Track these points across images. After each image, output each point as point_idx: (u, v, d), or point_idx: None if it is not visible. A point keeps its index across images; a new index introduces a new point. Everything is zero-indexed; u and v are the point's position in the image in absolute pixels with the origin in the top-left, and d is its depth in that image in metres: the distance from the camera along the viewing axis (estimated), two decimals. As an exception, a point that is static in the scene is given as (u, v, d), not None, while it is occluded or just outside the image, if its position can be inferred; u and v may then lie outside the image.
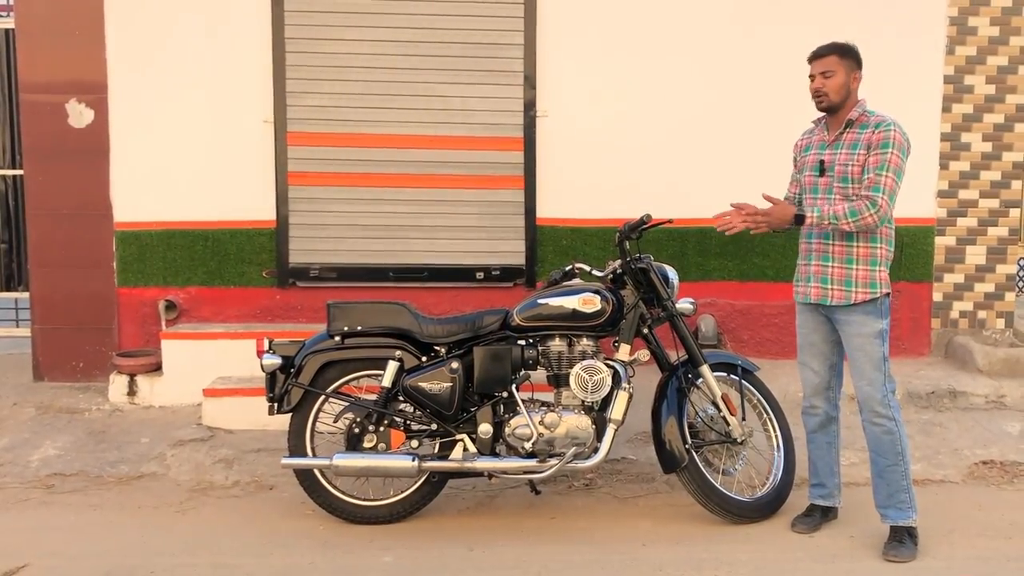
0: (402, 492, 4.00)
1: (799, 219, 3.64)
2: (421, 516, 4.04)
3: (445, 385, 3.89)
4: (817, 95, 3.68)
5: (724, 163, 5.59)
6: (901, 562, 3.57)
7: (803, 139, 3.93)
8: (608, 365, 3.91)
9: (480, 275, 5.68)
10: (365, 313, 4.00)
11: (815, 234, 3.73)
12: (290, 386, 3.95)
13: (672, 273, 4.12)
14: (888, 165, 3.55)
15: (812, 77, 3.70)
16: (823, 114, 3.80)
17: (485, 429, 3.89)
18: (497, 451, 3.94)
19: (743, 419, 4.07)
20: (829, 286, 3.70)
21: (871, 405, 3.67)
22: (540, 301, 3.96)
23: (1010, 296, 5.92)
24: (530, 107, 5.59)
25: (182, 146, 5.53)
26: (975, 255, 5.86)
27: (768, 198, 3.71)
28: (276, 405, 3.98)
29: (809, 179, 3.78)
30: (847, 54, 3.67)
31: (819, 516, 3.94)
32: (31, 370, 5.63)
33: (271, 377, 3.97)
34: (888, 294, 3.68)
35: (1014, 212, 5.85)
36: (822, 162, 3.72)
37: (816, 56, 3.70)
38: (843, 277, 3.67)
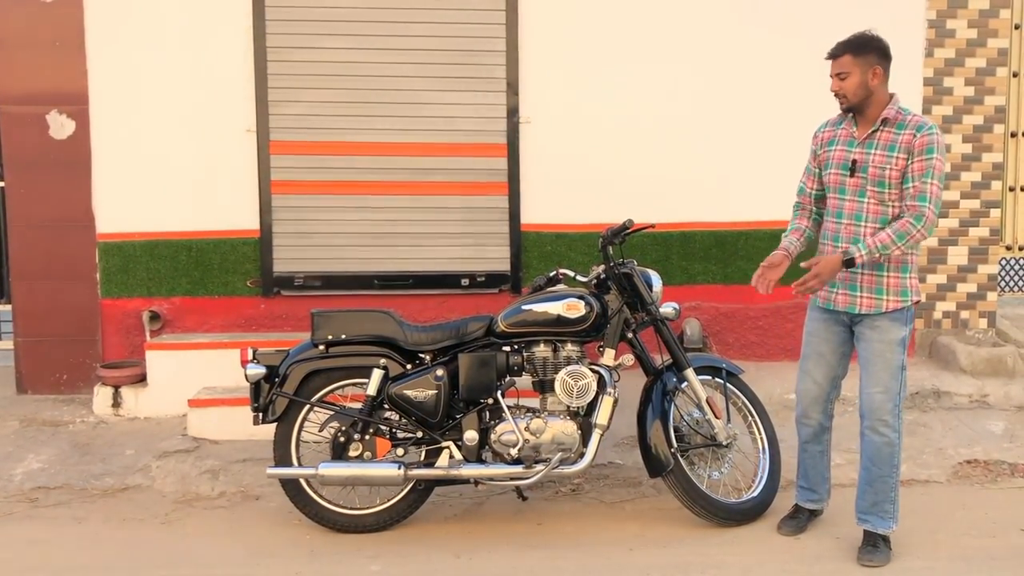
0: (389, 500, 3.99)
1: (849, 263, 3.44)
2: (408, 524, 4.03)
3: (430, 392, 3.88)
4: (836, 97, 3.56)
5: (707, 168, 5.61)
6: (876, 567, 3.58)
7: (826, 131, 3.73)
8: (593, 370, 3.91)
9: (465, 282, 5.68)
10: (349, 321, 4.00)
11: (842, 237, 3.58)
12: (275, 396, 3.94)
13: (656, 278, 4.13)
14: (933, 172, 3.42)
15: (832, 78, 3.57)
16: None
17: (471, 436, 3.89)
18: (483, 458, 3.94)
19: (728, 422, 4.08)
20: (858, 294, 3.57)
21: (879, 414, 3.56)
22: (524, 307, 3.97)
23: (992, 296, 5.96)
24: (513, 113, 5.60)
25: (165, 156, 5.51)
26: (957, 256, 5.89)
27: (808, 264, 3.52)
28: (261, 415, 3.97)
29: (836, 177, 3.62)
30: (862, 50, 3.51)
31: (805, 518, 3.95)
32: (14, 383, 5.59)
33: (256, 387, 3.95)
34: (919, 301, 3.58)
35: (995, 212, 5.89)
36: (854, 162, 3.55)
37: (831, 56, 3.57)
38: (873, 285, 3.54)
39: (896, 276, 3.54)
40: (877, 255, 3.44)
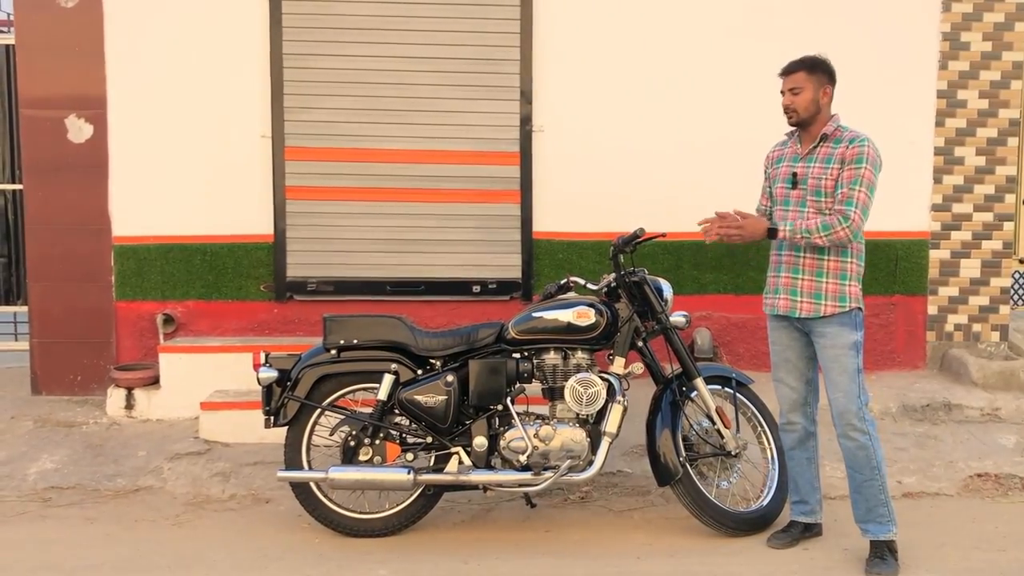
0: (397, 505, 4.01)
1: (772, 232, 3.67)
2: (416, 529, 4.05)
3: (440, 398, 3.90)
4: (786, 111, 3.72)
5: (719, 177, 5.60)
6: None
7: (775, 151, 3.95)
8: (603, 378, 3.92)
9: (476, 288, 5.70)
10: (361, 326, 4.02)
11: (786, 246, 3.75)
12: (286, 399, 3.97)
13: (666, 287, 4.14)
14: (862, 180, 3.59)
15: (783, 93, 3.73)
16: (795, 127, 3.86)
17: (480, 442, 3.91)
18: (492, 464, 3.95)
19: (737, 432, 4.08)
20: (798, 298, 3.71)
21: (846, 418, 3.65)
22: (535, 314, 3.99)
23: (1004, 309, 5.94)
24: (526, 122, 5.62)
25: (181, 161, 5.56)
26: (970, 268, 5.88)
27: (740, 212, 3.75)
28: (272, 418, 4.00)
29: (781, 191, 3.81)
30: (815, 69, 3.69)
31: (798, 532, 3.93)
32: (29, 383, 5.64)
33: (267, 390, 3.99)
34: (860, 309, 3.69)
35: (1008, 225, 5.88)
36: (795, 175, 3.74)
37: (785, 73, 3.74)
38: (812, 290, 3.69)
39: (835, 283, 3.67)
40: (799, 236, 3.63)
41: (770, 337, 3.93)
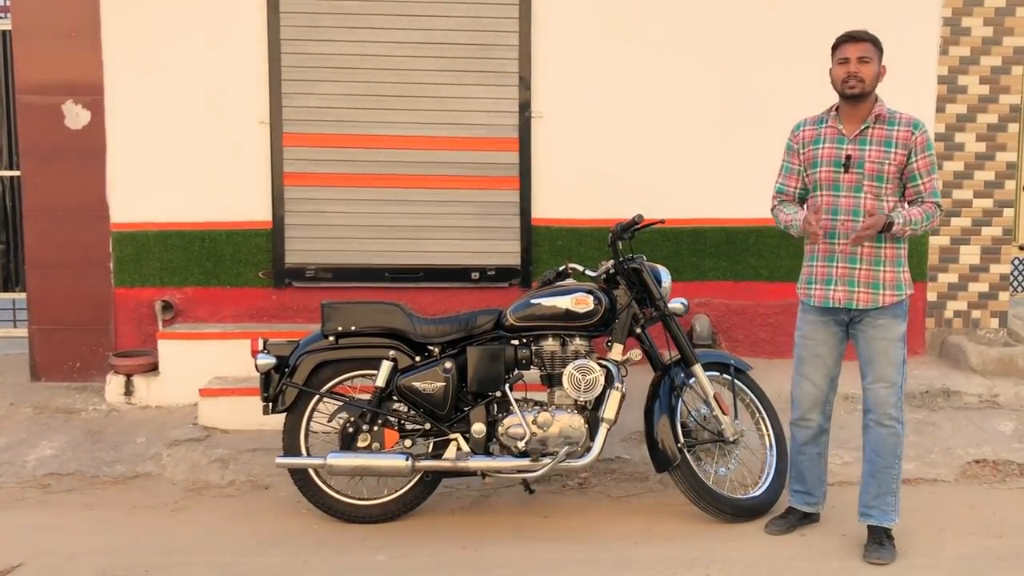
0: (396, 491, 4.02)
1: (890, 226, 3.47)
2: (415, 515, 4.06)
3: (439, 385, 3.90)
4: (851, 79, 3.51)
5: (719, 165, 5.60)
6: (882, 564, 3.58)
7: (808, 131, 3.71)
8: (601, 365, 3.92)
9: (475, 275, 5.69)
10: (359, 313, 4.02)
11: (839, 233, 3.58)
12: (284, 386, 3.97)
13: (665, 273, 4.14)
14: (934, 167, 3.56)
15: (845, 60, 3.53)
16: (829, 105, 3.69)
17: (478, 428, 3.91)
18: (491, 450, 3.96)
19: (735, 418, 4.09)
20: (856, 289, 3.58)
21: (885, 408, 3.60)
22: (533, 301, 3.98)
23: (1004, 296, 5.93)
24: (525, 108, 5.60)
25: (178, 147, 5.55)
26: (969, 255, 5.87)
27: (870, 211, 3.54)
28: (271, 405, 4.00)
29: (828, 174, 3.61)
30: (878, 45, 3.57)
31: (796, 518, 3.93)
32: (28, 370, 5.64)
33: (266, 377, 3.99)
34: (911, 294, 3.64)
35: (1008, 212, 5.86)
36: (848, 157, 3.56)
37: (853, 39, 3.53)
38: (870, 280, 3.57)
39: (892, 271, 3.59)
40: (908, 229, 3.50)
41: (803, 331, 3.78)
